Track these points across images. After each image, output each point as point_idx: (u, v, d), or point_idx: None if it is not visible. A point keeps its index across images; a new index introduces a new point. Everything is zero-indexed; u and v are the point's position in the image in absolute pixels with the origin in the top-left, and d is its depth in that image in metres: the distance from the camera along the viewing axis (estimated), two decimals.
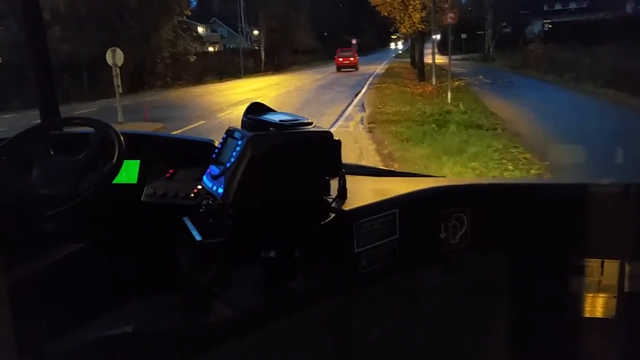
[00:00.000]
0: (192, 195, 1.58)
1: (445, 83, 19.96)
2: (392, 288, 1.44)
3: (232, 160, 1.20)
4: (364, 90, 18.62)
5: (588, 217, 1.48)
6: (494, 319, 1.59)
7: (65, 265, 1.43)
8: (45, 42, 1.96)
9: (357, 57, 33.19)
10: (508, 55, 30.01)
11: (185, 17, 30.55)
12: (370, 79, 24.07)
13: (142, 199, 1.67)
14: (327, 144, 1.27)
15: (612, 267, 1.49)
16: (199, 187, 1.55)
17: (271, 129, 1.23)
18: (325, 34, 53.11)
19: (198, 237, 1.14)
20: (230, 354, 1.11)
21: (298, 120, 1.27)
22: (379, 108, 12.96)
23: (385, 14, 23.30)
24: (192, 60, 31.54)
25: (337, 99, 16.13)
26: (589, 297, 1.52)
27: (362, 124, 10.81)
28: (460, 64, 28.94)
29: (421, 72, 21.55)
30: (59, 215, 1.38)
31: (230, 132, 1.31)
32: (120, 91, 11.07)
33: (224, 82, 30.73)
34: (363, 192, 1.45)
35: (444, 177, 1.90)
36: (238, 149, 1.20)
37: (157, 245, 1.40)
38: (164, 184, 1.67)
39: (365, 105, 13.88)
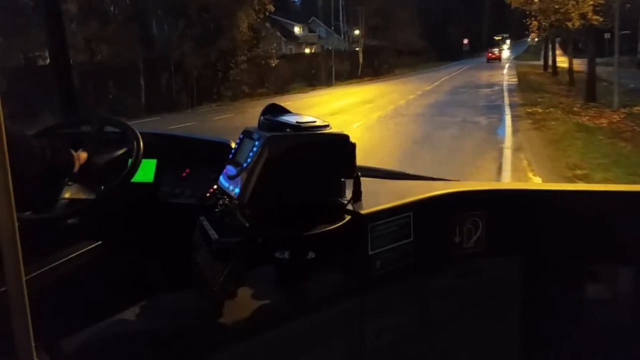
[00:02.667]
0: (208, 194, 1.60)
1: (638, 107, 12.68)
2: (406, 291, 1.47)
3: (249, 160, 1.21)
4: (508, 120, 11.64)
5: (604, 223, 1.50)
6: (508, 324, 1.60)
7: (82, 263, 1.42)
8: (65, 39, 1.95)
9: (501, 53, 46.15)
10: None
11: (267, 12, 24.99)
12: (506, 95, 17.01)
13: (158, 198, 1.70)
14: (343, 147, 1.28)
15: (628, 273, 1.51)
16: (215, 186, 1.49)
17: (288, 130, 1.23)
18: (432, 33, 46.81)
19: (214, 237, 1.17)
20: (244, 353, 1.16)
21: (315, 122, 1.28)
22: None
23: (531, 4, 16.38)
24: (273, 64, 25.95)
25: (467, 145, 9.11)
26: (604, 304, 1.53)
27: None
28: (613, 71, 21.11)
29: (590, 88, 14.49)
30: (78, 213, 1.43)
31: (247, 133, 1.31)
32: None
33: (308, 92, 25.37)
34: (378, 194, 1.48)
35: (459, 181, 1.71)
36: (255, 149, 1.21)
37: (173, 244, 1.46)
38: (180, 183, 1.70)
39: (537, 171, 6.96)
